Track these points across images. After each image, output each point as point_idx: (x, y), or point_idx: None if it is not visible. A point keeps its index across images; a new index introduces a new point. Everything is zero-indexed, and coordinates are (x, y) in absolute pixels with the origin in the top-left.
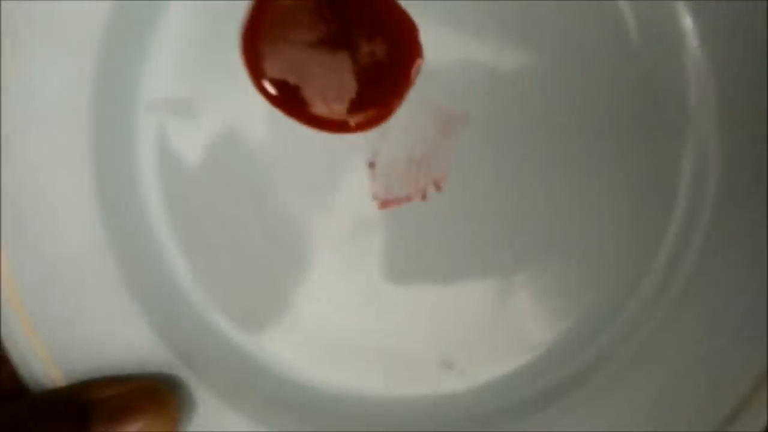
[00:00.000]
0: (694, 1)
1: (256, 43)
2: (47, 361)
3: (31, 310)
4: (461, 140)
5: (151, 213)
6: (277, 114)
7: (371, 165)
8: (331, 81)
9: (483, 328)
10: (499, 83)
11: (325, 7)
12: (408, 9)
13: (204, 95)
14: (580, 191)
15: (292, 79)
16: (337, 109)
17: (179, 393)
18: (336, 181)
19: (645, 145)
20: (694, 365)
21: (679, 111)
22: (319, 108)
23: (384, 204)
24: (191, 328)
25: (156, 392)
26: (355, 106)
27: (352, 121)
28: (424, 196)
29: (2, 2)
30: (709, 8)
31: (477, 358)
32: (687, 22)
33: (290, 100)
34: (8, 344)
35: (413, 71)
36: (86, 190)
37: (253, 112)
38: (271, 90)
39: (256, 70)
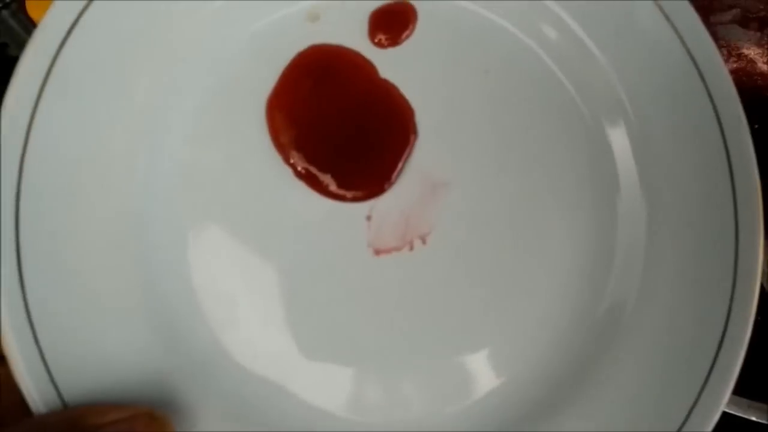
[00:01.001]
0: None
1: (278, 115)
2: (50, 385)
3: (39, 331)
4: (445, 203)
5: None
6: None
7: (368, 218)
8: (337, 159)
9: (441, 371)
10: (479, 158)
11: (331, 90)
12: (405, 93)
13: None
14: (541, 250)
15: (306, 155)
16: (344, 186)
17: (177, 420)
18: (338, 229)
19: (594, 211)
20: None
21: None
22: (331, 185)
23: (377, 252)
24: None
25: (154, 419)
26: (355, 182)
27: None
28: (411, 247)
29: None
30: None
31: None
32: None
33: (307, 176)
34: (14, 367)
35: (408, 149)
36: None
37: (269, 176)
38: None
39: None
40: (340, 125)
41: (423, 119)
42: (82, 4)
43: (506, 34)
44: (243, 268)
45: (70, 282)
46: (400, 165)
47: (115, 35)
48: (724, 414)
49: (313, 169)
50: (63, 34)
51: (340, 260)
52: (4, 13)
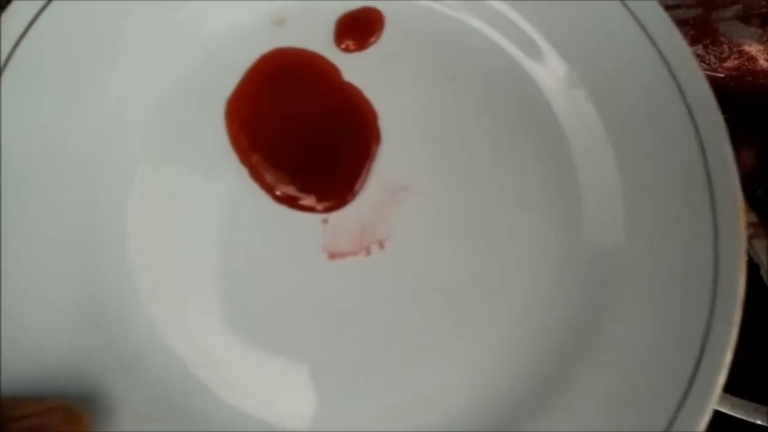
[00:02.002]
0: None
1: (238, 116)
2: None
3: None
4: (405, 208)
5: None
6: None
7: (325, 221)
8: (298, 163)
9: (405, 382)
10: (442, 163)
11: (294, 94)
12: (369, 97)
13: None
14: (503, 255)
15: (266, 160)
16: (301, 191)
17: (94, 414)
18: (293, 232)
19: (553, 220)
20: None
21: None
22: (285, 190)
23: (332, 256)
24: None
25: (69, 413)
26: (316, 188)
27: (317, 204)
28: (368, 252)
29: None
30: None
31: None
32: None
33: (263, 180)
34: None
35: (370, 156)
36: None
37: (225, 177)
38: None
39: (238, 144)
40: (302, 129)
41: (386, 124)
42: (41, 3)
43: (474, 41)
44: (192, 269)
45: (6, 275)
46: (363, 175)
47: (75, 34)
48: (728, 417)
49: (272, 176)
50: (21, 30)
51: (293, 264)
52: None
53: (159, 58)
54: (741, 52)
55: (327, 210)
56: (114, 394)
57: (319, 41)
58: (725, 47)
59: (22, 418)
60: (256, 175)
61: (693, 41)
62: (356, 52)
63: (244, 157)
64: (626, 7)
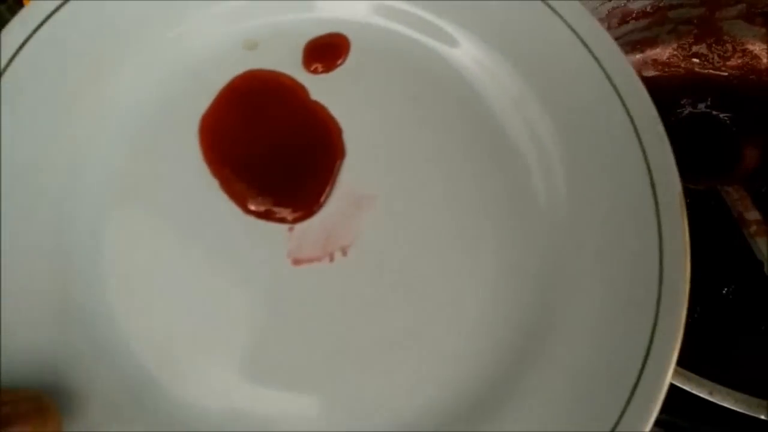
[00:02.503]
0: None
1: (212, 133)
2: None
3: None
4: (368, 217)
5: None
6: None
7: (290, 229)
8: (267, 176)
9: (369, 381)
10: (403, 175)
11: (263, 112)
12: (333, 113)
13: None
14: (463, 263)
15: (236, 172)
16: (271, 203)
17: (64, 405)
18: (260, 239)
19: (512, 232)
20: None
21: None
22: (256, 201)
23: (296, 262)
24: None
25: (40, 402)
26: (285, 200)
27: (288, 215)
28: (331, 259)
29: None
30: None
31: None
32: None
33: (236, 193)
34: None
35: (335, 170)
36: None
37: (196, 188)
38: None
39: (211, 158)
40: (271, 144)
41: (350, 138)
42: (34, 25)
43: (433, 64)
44: (160, 269)
45: None
46: (328, 187)
47: (63, 53)
48: (732, 412)
49: (242, 187)
50: (16, 48)
51: (258, 268)
52: (2, 7)
53: (141, 78)
54: (744, 51)
55: (296, 220)
56: (82, 388)
57: (289, 64)
58: (729, 46)
59: None
60: (228, 187)
61: (697, 40)
62: (324, 74)
63: (216, 170)
64: (571, 29)
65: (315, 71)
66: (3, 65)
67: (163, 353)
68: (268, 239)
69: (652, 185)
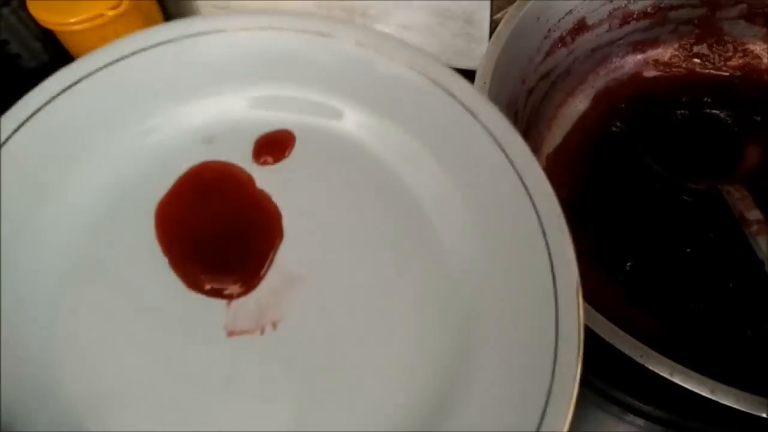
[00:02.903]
0: None
1: (166, 217)
2: None
3: None
4: (297, 294)
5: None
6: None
7: (228, 303)
8: (213, 257)
9: None
10: (334, 258)
11: (213, 199)
12: (275, 200)
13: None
14: (378, 333)
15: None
16: (215, 280)
17: None
18: (199, 311)
19: (431, 299)
20: None
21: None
22: (202, 278)
23: (231, 333)
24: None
25: None
26: (227, 277)
27: (229, 290)
28: (262, 331)
29: None
30: None
31: None
32: None
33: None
34: None
35: (274, 248)
36: None
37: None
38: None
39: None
40: (219, 229)
41: (289, 222)
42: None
43: (366, 158)
44: (108, 341)
45: None
46: (266, 266)
47: (42, 144)
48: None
49: (191, 266)
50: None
51: (197, 338)
52: (5, 10)
53: (108, 165)
54: (746, 51)
55: (237, 296)
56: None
57: (241, 156)
58: (730, 46)
59: None
60: (177, 266)
61: (698, 40)
62: (271, 165)
63: (168, 250)
64: (485, 128)
65: (264, 162)
66: None
67: (100, 410)
68: (207, 313)
69: (552, 271)
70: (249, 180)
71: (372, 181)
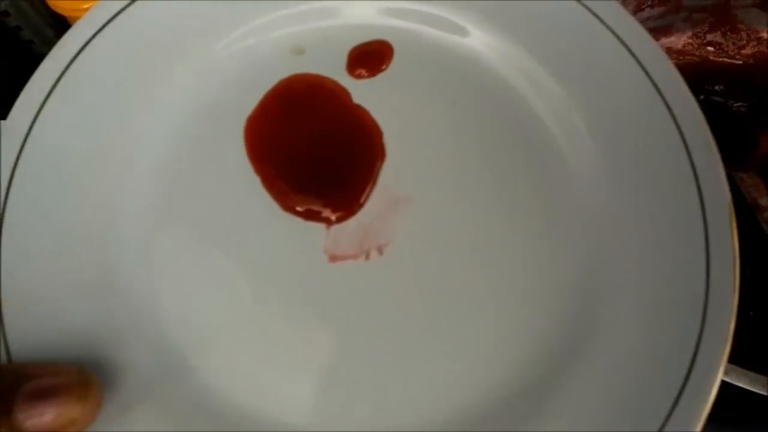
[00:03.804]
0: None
1: (257, 134)
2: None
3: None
4: (405, 217)
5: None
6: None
7: (327, 226)
8: (308, 176)
9: (401, 381)
10: (441, 178)
11: (307, 114)
12: (374, 116)
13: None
14: (494, 266)
15: (280, 171)
16: (311, 202)
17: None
18: (297, 235)
19: (553, 231)
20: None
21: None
22: (297, 201)
23: (333, 259)
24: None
25: (81, 374)
26: (325, 201)
27: (327, 213)
28: (367, 257)
29: None
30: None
31: (396, 409)
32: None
33: (276, 189)
34: None
35: (375, 170)
36: None
37: (239, 186)
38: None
39: (255, 157)
40: (314, 145)
41: (391, 140)
42: (94, 30)
43: (474, 69)
44: (202, 259)
45: (40, 258)
46: (368, 189)
47: (117, 56)
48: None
49: (284, 186)
50: (74, 52)
51: (295, 264)
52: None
53: (191, 80)
54: (759, 39)
55: (337, 220)
56: (118, 365)
57: (334, 69)
58: (743, 34)
59: (37, 377)
60: (270, 185)
61: (711, 28)
62: (366, 79)
63: (260, 169)
64: (614, 34)
65: (359, 76)
66: (65, 64)
67: (200, 339)
68: (305, 236)
69: (700, 195)
70: (345, 94)
71: (482, 96)
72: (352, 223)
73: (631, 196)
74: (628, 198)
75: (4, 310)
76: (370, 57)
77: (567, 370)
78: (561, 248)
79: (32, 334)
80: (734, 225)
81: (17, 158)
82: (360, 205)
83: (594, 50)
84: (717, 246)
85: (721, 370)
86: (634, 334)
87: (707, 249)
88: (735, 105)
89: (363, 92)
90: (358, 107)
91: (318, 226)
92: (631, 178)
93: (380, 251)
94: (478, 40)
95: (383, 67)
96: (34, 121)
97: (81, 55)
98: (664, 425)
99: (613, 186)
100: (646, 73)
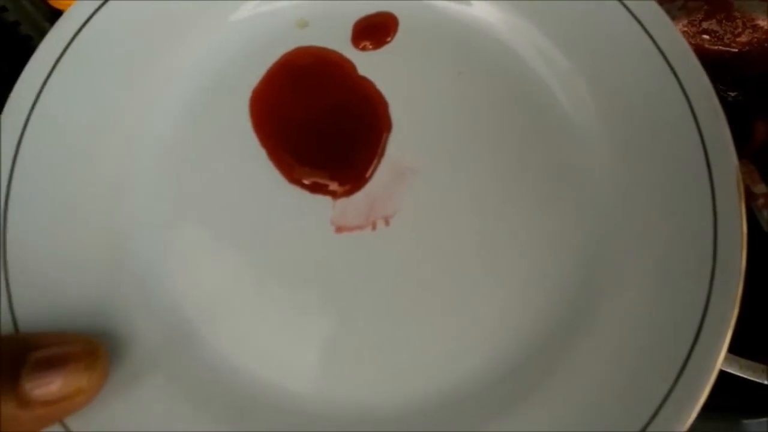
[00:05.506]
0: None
1: (262, 106)
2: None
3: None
4: (411, 188)
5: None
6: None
7: (334, 196)
8: (314, 149)
9: (405, 350)
10: (447, 149)
11: (312, 87)
12: (379, 88)
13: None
14: (502, 241)
15: (286, 144)
16: (318, 175)
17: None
18: (303, 205)
19: (560, 200)
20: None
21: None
22: (303, 173)
23: (339, 229)
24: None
25: (89, 344)
26: (332, 173)
27: (334, 186)
28: (374, 227)
29: None
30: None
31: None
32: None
33: (281, 161)
34: None
35: (382, 141)
36: None
37: (246, 159)
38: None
39: (260, 129)
40: (320, 118)
41: (396, 112)
42: (98, 3)
43: (479, 40)
44: (209, 229)
45: (47, 229)
46: (375, 161)
47: (125, 27)
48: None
49: (289, 158)
50: (81, 23)
51: (301, 235)
52: None
53: (197, 53)
54: (755, 27)
55: (344, 194)
56: (127, 335)
57: (338, 41)
58: (739, 22)
59: (45, 347)
60: (275, 157)
61: (707, 16)
62: (372, 51)
63: (265, 141)
64: (621, 2)
65: (363, 48)
66: (72, 33)
67: (207, 309)
68: (312, 207)
69: (707, 160)
70: (350, 66)
71: (487, 67)
72: (358, 194)
73: (639, 162)
74: (635, 164)
75: (12, 281)
76: (375, 29)
77: (573, 340)
78: (568, 216)
79: (39, 304)
80: (741, 189)
81: (23, 129)
82: (366, 180)
83: (601, 20)
84: (724, 210)
85: (727, 338)
86: (641, 303)
87: (714, 213)
88: (730, 92)
89: (368, 64)
90: (364, 79)
91: (324, 198)
92: (639, 144)
93: (387, 222)
94: (482, 9)
95: (388, 39)
96: (40, 91)
97: (88, 25)
98: (667, 397)
99: (620, 153)
100: (653, 39)
